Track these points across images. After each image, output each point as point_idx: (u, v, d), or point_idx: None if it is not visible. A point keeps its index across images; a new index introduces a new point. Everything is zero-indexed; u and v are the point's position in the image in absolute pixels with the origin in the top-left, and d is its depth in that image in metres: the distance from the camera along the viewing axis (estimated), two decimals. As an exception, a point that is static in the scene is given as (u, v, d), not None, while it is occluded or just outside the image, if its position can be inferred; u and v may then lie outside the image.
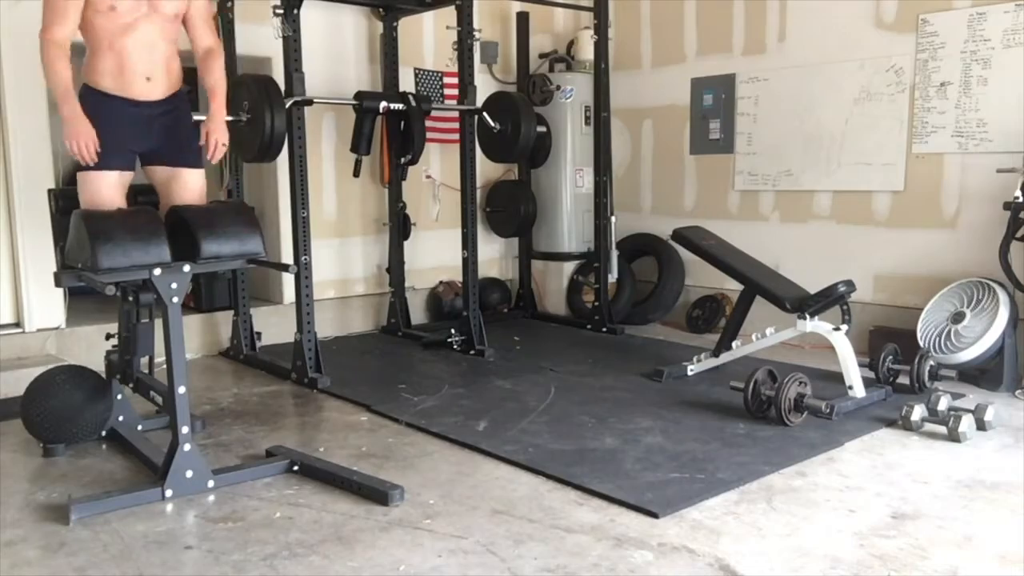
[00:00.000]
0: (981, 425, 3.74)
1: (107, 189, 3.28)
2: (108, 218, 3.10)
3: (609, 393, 4.43)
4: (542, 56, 6.66)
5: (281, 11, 4.52)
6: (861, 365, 4.26)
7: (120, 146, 3.28)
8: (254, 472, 3.30)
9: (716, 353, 4.72)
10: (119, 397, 3.74)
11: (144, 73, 3.27)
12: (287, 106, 4.53)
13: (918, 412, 3.76)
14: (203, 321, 5.51)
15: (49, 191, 3.72)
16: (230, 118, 4.63)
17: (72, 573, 2.55)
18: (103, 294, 2.94)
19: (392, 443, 3.72)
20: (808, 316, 4.27)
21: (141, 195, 3.54)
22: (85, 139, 3.14)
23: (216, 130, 3.45)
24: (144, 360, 3.67)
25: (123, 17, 3.18)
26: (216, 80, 3.50)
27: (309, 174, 4.71)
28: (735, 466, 3.34)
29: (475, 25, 5.30)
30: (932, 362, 4.41)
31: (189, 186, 3.44)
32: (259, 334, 5.33)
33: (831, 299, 4.23)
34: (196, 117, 4.42)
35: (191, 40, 3.48)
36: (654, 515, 2.88)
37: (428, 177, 6.33)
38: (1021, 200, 4.45)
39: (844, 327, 4.22)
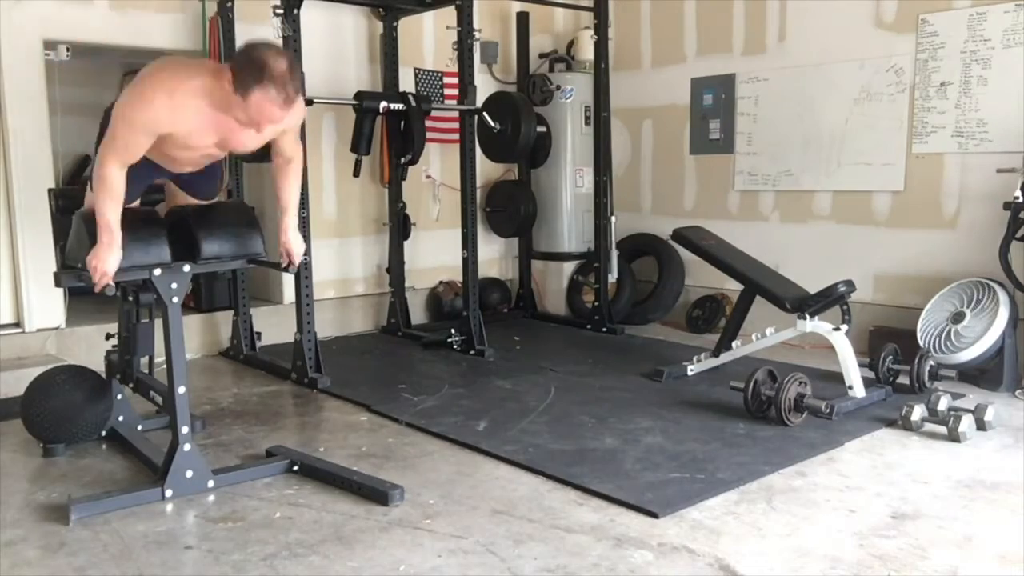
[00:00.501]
0: (981, 425, 3.74)
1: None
2: (108, 218, 3.09)
3: (609, 393, 4.43)
4: (542, 56, 6.66)
5: (281, 11, 4.52)
6: (861, 365, 4.25)
7: (139, 190, 3.22)
8: (254, 472, 3.30)
9: (716, 353, 4.72)
10: (119, 397, 3.73)
11: (191, 168, 3.20)
12: (287, 106, 4.53)
13: (918, 412, 3.76)
14: (203, 321, 5.51)
15: (49, 191, 3.72)
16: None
17: (72, 573, 2.55)
18: (103, 294, 2.94)
19: (392, 443, 3.72)
20: (808, 316, 4.27)
21: (143, 195, 3.54)
22: (105, 270, 2.88)
23: (291, 241, 3.31)
24: (144, 360, 3.67)
25: (192, 152, 3.02)
26: (291, 192, 3.28)
27: (309, 174, 4.69)
28: (735, 466, 3.34)
29: (475, 25, 5.30)
30: (932, 362, 4.40)
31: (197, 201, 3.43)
32: (259, 334, 5.33)
33: (831, 299, 4.23)
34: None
35: (273, 145, 3.19)
36: (654, 515, 2.88)
37: (428, 177, 6.33)
38: (1021, 200, 4.45)
39: (844, 327, 4.22)
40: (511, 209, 6.47)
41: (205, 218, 3.23)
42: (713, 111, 6.15)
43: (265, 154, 4.57)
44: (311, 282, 4.73)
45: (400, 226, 5.89)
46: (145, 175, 3.15)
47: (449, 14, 5.36)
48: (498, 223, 6.59)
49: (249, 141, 3.01)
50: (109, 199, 2.86)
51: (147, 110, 2.79)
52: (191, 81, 2.81)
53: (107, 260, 2.88)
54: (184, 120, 2.83)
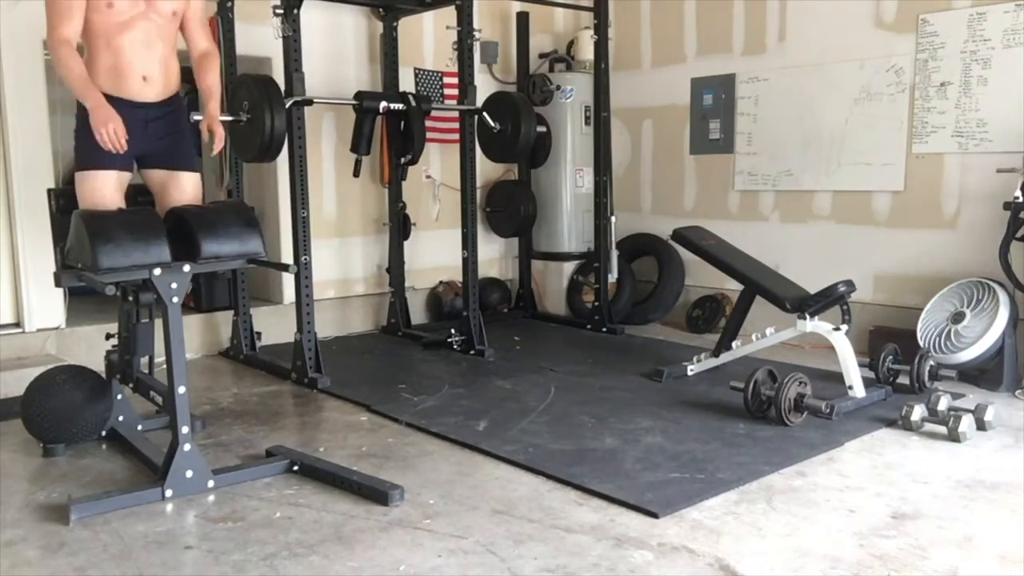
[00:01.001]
0: (981, 425, 3.74)
1: (107, 188, 3.28)
2: (108, 218, 3.10)
3: (609, 393, 4.43)
4: (542, 56, 6.66)
5: (281, 11, 4.52)
6: (861, 365, 4.25)
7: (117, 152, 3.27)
8: (254, 472, 3.30)
9: (716, 353, 4.72)
10: (119, 397, 3.74)
11: (141, 72, 3.29)
12: (287, 106, 4.53)
13: (918, 412, 3.76)
14: (203, 321, 5.51)
15: (49, 191, 3.73)
16: (229, 118, 4.63)
17: (72, 573, 2.55)
18: (103, 294, 2.94)
19: (392, 443, 3.72)
20: (808, 316, 4.27)
21: (141, 195, 3.54)
22: (115, 125, 3.14)
23: (215, 124, 3.48)
24: (144, 360, 3.67)
25: (120, 15, 3.20)
26: (212, 82, 3.52)
27: (309, 174, 4.71)
28: (735, 466, 3.34)
29: (475, 25, 5.30)
30: (932, 362, 4.40)
31: (185, 188, 3.46)
32: (259, 334, 5.33)
33: (831, 299, 4.23)
34: (196, 117, 4.41)
35: (187, 43, 3.53)
36: (654, 515, 2.88)
37: (428, 177, 6.33)
38: (1021, 200, 4.45)
39: (844, 327, 4.22)
40: (511, 209, 6.47)
41: (205, 218, 3.23)
42: (713, 111, 6.15)
43: (265, 154, 4.62)
44: (311, 282, 4.73)
45: (400, 226, 5.89)
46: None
47: (449, 14, 5.36)
48: (498, 223, 6.59)
49: None
50: (74, 72, 3.13)
51: None
52: None
53: (107, 116, 3.11)
54: None
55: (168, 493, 3.07)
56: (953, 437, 3.63)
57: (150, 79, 3.32)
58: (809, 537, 2.74)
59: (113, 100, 3.24)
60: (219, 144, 3.50)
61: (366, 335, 6.07)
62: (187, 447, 3.11)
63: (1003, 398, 4.31)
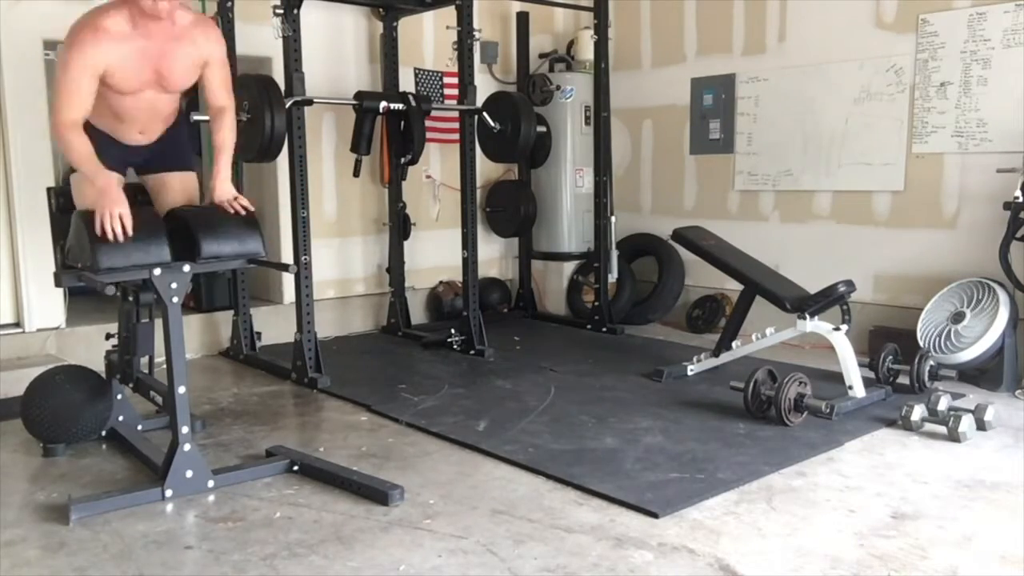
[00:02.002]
0: (981, 425, 3.74)
1: None
2: (108, 218, 3.09)
3: (609, 393, 4.43)
4: (542, 56, 6.66)
5: (281, 11, 4.52)
6: (861, 365, 4.25)
7: (109, 163, 3.18)
8: (254, 472, 3.30)
9: (716, 353, 4.72)
10: (119, 397, 3.74)
11: (139, 129, 3.23)
12: (287, 106, 4.53)
13: (918, 412, 3.76)
14: (203, 321, 5.51)
15: (48, 190, 3.72)
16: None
17: (72, 573, 2.55)
18: (103, 294, 2.94)
19: (392, 443, 3.72)
20: (808, 316, 4.27)
21: (141, 195, 3.54)
22: (122, 211, 2.95)
23: (220, 189, 3.28)
24: (144, 360, 3.67)
25: (129, 95, 3.09)
26: (224, 138, 3.34)
27: (309, 174, 4.71)
28: (735, 466, 3.34)
29: (475, 25, 5.30)
30: (932, 362, 4.41)
31: (178, 189, 3.40)
32: (259, 334, 5.33)
33: (831, 299, 4.23)
34: (196, 117, 4.41)
35: (205, 95, 3.35)
36: (654, 515, 2.88)
37: (428, 177, 6.33)
38: (1021, 200, 4.45)
39: (844, 327, 4.22)
40: (511, 209, 6.47)
41: (205, 218, 3.22)
42: (713, 111, 6.15)
43: (265, 154, 4.61)
44: (311, 282, 4.73)
45: (400, 226, 5.89)
46: (111, 154, 3.17)
47: (449, 14, 5.36)
48: (498, 223, 6.59)
49: (179, 67, 3.11)
50: (83, 156, 2.99)
51: (80, 49, 2.92)
52: (109, 11, 2.96)
53: (111, 202, 2.94)
54: (115, 49, 2.94)
55: (168, 493, 3.07)
56: (953, 437, 3.63)
57: (148, 132, 3.26)
58: (809, 537, 2.74)
59: (109, 138, 3.20)
60: (243, 208, 3.27)
61: (366, 335, 6.07)
62: (187, 447, 3.11)
63: (1003, 398, 4.31)
